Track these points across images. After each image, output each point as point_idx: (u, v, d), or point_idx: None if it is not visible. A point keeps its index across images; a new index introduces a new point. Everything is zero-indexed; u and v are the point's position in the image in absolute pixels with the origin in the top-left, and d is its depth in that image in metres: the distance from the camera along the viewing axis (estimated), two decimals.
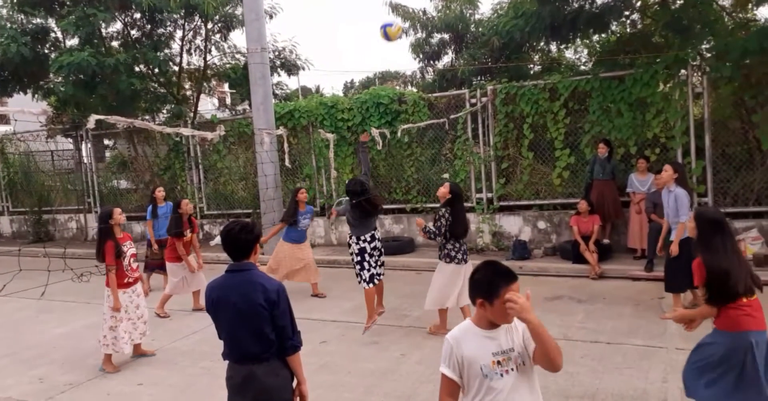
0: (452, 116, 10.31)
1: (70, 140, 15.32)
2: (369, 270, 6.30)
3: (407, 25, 14.22)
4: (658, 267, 7.57)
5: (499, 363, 2.40)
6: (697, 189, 8.71)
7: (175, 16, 13.04)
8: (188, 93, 14.94)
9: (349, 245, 6.43)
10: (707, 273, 3.46)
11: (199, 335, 6.50)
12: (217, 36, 13.93)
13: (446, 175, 10.75)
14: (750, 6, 9.86)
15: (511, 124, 10.10)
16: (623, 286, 7.75)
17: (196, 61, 14.39)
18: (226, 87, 17.39)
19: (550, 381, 4.78)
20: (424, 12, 14.32)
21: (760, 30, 8.12)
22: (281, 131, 10.09)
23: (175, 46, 13.78)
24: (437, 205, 8.10)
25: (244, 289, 3.05)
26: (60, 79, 12.61)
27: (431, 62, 14.90)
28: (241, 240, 3.10)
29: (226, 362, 3.19)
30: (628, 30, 11.17)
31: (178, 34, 13.67)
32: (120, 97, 12.14)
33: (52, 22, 13.15)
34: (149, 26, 13.19)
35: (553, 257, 9.42)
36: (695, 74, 8.82)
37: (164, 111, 14.06)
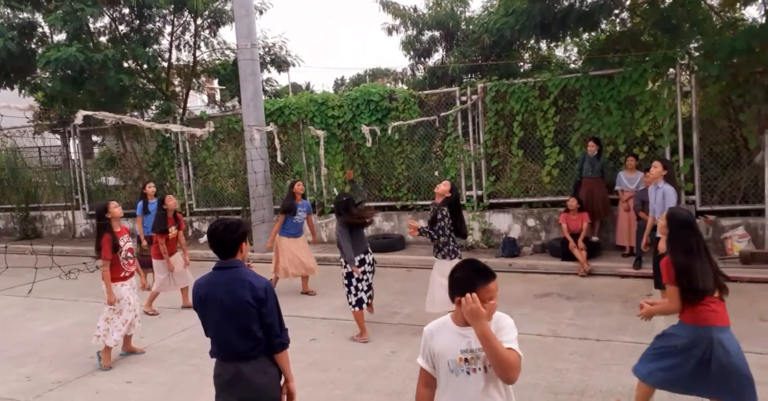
0: (443, 114, 10.33)
1: (58, 136, 15.21)
2: (356, 295, 6.10)
3: (398, 22, 14.24)
4: (646, 264, 7.65)
5: (466, 360, 2.42)
6: (685, 187, 8.79)
7: (164, 11, 12.97)
8: (177, 89, 14.86)
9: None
10: (676, 272, 3.59)
11: (188, 332, 6.48)
12: (207, 32, 13.87)
13: (437, 173, 10.78)
14: (738, 5, 9.94)
15: (501, 122, 10.13)
16: (612, 283, 7.81)
17: (186, 57, 14.33)
18: (215, 83, 17.32)
19: (539, 378, 4.82)
20: (415, 9, 14.34)
21: (747, 29, 8.20)
22: (271, 128, 10.07)
23: (164, 42, 13.72)
24: (427, 202, 8.13)
25: (231, 287, 3.04)
26: (47, 74, 12.50)
27: (422, 59, 14.92)
28: (226, 239, 3.09)
29: (215, 359, 3.19)
30: (618, 28, 11.24)
31: (167, 29, 13.59)
32: (108, 93, 12.05)
33: (39, 17, 13.03)
34: (138, 21, 13.10)
35: (542, 254, 9.46)
36: (683, 73, 8.89)
37: (153, 107, 13.98)
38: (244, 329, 3.02)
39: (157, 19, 13.29)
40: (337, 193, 11.45)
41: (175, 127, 8.01)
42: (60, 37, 12.73)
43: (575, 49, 13.85)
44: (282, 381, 3.19)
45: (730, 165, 8.81)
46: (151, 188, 8.72)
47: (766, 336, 5.47)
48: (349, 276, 6.11)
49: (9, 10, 12.76)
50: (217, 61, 14.35)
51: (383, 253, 9.77)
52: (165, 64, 13.82)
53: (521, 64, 13.63)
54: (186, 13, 13.12)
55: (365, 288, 6.13)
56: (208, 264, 3.25)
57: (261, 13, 13.21)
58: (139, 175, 13.62)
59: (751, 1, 9.17)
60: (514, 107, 9.88)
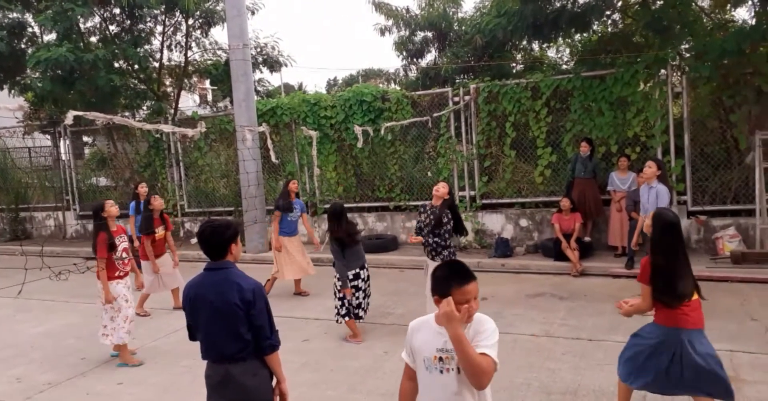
0: (435, 114, 10.33)
1: (48, 137, 15.10)
2: (345, 307, 6.07)
3: (391, 23, 14.25)
4: (638, 264, 7.66)
5: (441, 359, 2.44)
6: (677, 187, 8.83)
7: (155, 11, 12.91)
8: (169, 89, 14.79)
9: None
10: (652, 272, 3.63)
11: (180, 334, 6.43)
12: (198, 32, 13.82)
13: (430, 173, 10.78)
14: (728, 7, 10.01)
15: (494, 123, 10.15)
16: (604, 283, 7.83)
17: (177, 57, 14.28)
18: (207, 83, 17.27)
19: (532, 377, 4.83)
20: (408, 10, 14.36)
21: (737, 31, 8.25)
22: (263, 128, 10.04)
23: (156, 42, 13.67)
24: (420, 203, 8.10)
25: (220, 288, 3.02)
26: (37, 74, 12.42)
27: (414, 60, 14.94)
28: (214, 241, 3.07)
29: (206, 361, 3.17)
30: (609, 30, 11.29)
31: (159, 29, 13.53)
32: (99, 93, 11.98)
33: (29, 17, 12.94)
34: (129, 22, 13.03)
35: (535, 254, 9.49)
36: (675, 74, 8.94)
37: (144, 107, 13.92)
38: (232, 331, 3.00)
39: (148, 19, 13.23)
40: (328, 195, 11.50)
41: (166, 128, 7.96)
42: (50, 37, 12.64)
43: (567, 50, 13.92)
44: (274, 383, 3.17)
45: (721, 165, 8.86)
46: (143, 188, 8.69)
47: (757, 335, 5.50)
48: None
49: None
50: (208, 62, 14.30)
51: (376, 254, 9.76)
52: (156, 65, 13.77)
53: (513, 64, 13.67)
54: (177, 14, 13.07)
55: (354, 304, 6.06)
56: (200, 265, 3.23)
57: (253, 13, 13.20)
58: (131, 176, 13.55)
59: (741, 3, 9.24)
60: (507, 108, 9.90)
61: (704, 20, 9.65)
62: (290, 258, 7.86)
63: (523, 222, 9.99)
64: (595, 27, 10.80)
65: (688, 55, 8.94)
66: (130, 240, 8.36)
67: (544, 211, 9.80)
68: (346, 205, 7.44)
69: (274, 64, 14.07)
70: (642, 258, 3.79)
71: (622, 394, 3.92)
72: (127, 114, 13.61)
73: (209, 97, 20.21)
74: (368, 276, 6.27)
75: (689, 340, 3.55)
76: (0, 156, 15.48)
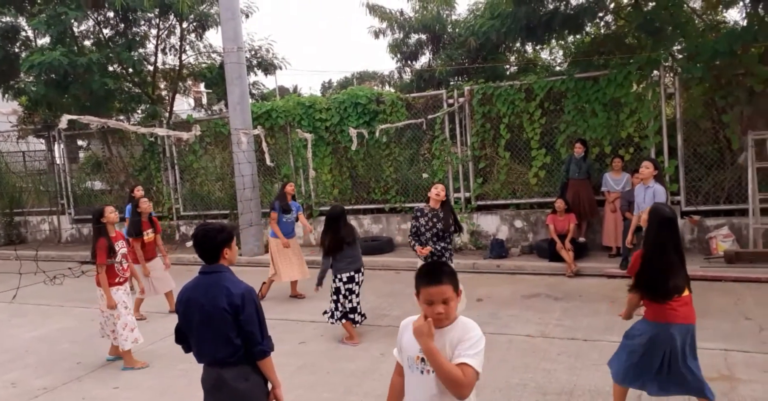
0: (430, 116, 10.36)
1: (42, 141, 15.05)
2: (339, 310, 6.07)
3: (385, 25, 14.26)
4: None
5: (422, 360, 2.44)
6: (670, 187, 8.87)
7: (149, 15, 12.89)
8: (163, 93, 14.78)
9: None
10: (641, 265, 3.68)
11: None
12: (193, 35, 13.79)
13: (425, 175, 10.80)
14: (719, 8, 10.08)
15: (488, 124, 10.19)
16: (599, 284, 7.86)
17: (171, 60, 14.24)
18: (201, 87, 17.21)
19: (528, 378, 4.84)
20: (401, 12, 14.37)
21: (729, 32, 8.31)
22: (258, 131, 10.04)
23: (150, 46, 13.63)
24: (415, 205, 8.12)
25: (211, 292, 3.01)
26: (31, 78, 12.39)
27: (409, 62, 14.94)
28: (207, 244, 3.07)
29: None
30: (602, 31, 11.34)
31: (153, 33, 13.51)
32: (93, 97, 11.95)
33: (22, 21, 12.92)
34: (123, 25, 13.01)
35: (530, 255, 9.51)
36: (667, 75, 8.99)
37: (139, 111, 13.90)
38: (221, 335, 2.99)
39: (143, 22, 13.21)
40: (324, 197, 11.51)
41: (161, 131, 7.97)
42: (44, 40, 12.61)
43: (561, 52, 13.95)
44: (270, 387, 3.17)
45: (714, 165, 8.91)
46: (139, 191, 8.66)
47: (752, 334, 5.53)
48: (336, 291, 6.09)
49: None
50: (203, 65, 14.28)
51: (372, 256, 9.77)
52: (151, 68, 13.74)
53: (507, 66, 13.70)
54: (171, 17, 13.05)
55: (348, 308, 6.06)
56: (195, 269, 3.23)
57: (247, 16, 13.18)
58: (126, 180, 13.53)
59: (733, 4, 9.31)
60: (501, 109, 9.94)
61: (696, 22, 9.70)
62: (287, 261, 7.86)
63: (518, 224, 10.02)
64: (587, 29, 10.86)
65: (680, 56, 9.00)
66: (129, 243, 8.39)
67: (539, 212, 9.83)
68: None
69: (268, 67, 14.07)
70: (635, 252, 3.82)
71: (617, 394, 3.94)
72: (121, 117, 13.58)
73: (204, 100, 20.15)
74: (361, 280, 6.24)
75: (679, 334, 3.57)
76: None
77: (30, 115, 14.28)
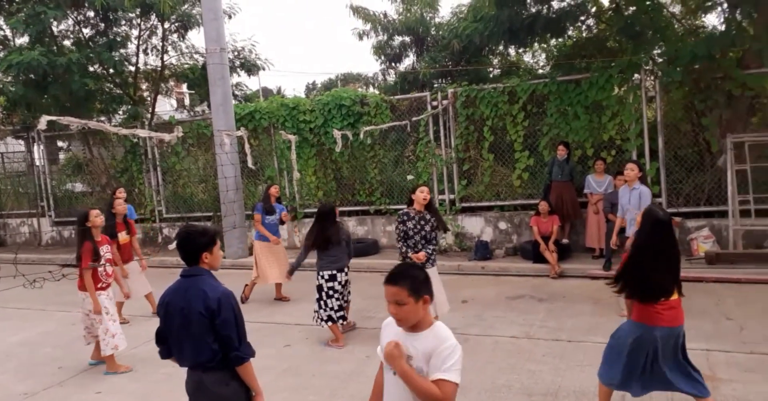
0: (414, 118, 10.38)
1: (21, 142, 14.82)
2: (325, 311, 6.05)
3: (369, 27, 14.28)
4: (615, 265, 7.78)
5: None
6: (652, 189, 8.97)
7: (130, 14, 12.76)
8: (145, 94, 14.64)
9: None
10: (626, 266, 3.74)
11: None
12: (175, 36, 13.68)
13: (410, 177, 10.82)
14: (698, 13, 10.23)
15: (472, 127, 10.23)
16: (582, 285, 7.93)
17: (153, 61, 14.11)
18: (184, 88, 17.09)
19: (513, 379, 4.86)
20: (385, 15, 14.41)
21: (707, 36, 8.45)
22: (241, 132, 9.98)
23: (131, 46, 13.49)
24: (400, 207, 8.14)
25: (189, 295, 2.99)
26: (9, 78, 12.21)
27: (393, 64, 14.99)
28: (188, 247, 3.05)
29: None
30: (584, 35, 11.44)
31: (134, 33, 13.38)
32: (73, 98, 11.81)
33: (0, 20, 12.70)
34: (103, 25, 12.86)
35: (514, 257, 9.57)
36: (648, 78, 9.10)
37: (120, 112, 13.73)
38: (198, 339, 2.96)
39: (124, 22, 13.08)
40: (308, 199, 11.47)
41: (143, 132, 7.88)
42: (22, 40, 12.44)
43: (543, 55, 14.07)
44: (253, 393, 3.12)
45: (695, 168, 9.04)
46: (121, 193, 8.56)
47: (733, 334, 5.61)
48: (318, 289, 6.08)
49: None
50: (185, 66, 14.16)
51: (357, 258, 9.70)
52: (132, 69, 13.60)
53: (490, 69, 13.79)
54: (153, 17, 12.93)
55: (335, 306, 6.03)
56: (178, 271, 3.21)
57: (230, 17, 13.10)
58: (107, 181, 13.37)
59: (711, 9, 9.45)
60: (484, 112, 9.99)
61: (675, 26, 9.85)
62: (271, 263, 7.82)
63: (502, 225, 10.07)
64: (570, 32, 10.95)
65: (660, 60, 9.12)
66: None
67: (523, 214, 9.89)
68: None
69: (251, 68, 14.00)
70: (624, 254, 3.88)
71: (602, 395, 3.97)
72: (102, 118, 13.41)
73: (186, 102, 20.00)
74: (347, 281, 6.23)
75: (662, 337, 3.60)
76: None
77: (8, 115, 14.08)
